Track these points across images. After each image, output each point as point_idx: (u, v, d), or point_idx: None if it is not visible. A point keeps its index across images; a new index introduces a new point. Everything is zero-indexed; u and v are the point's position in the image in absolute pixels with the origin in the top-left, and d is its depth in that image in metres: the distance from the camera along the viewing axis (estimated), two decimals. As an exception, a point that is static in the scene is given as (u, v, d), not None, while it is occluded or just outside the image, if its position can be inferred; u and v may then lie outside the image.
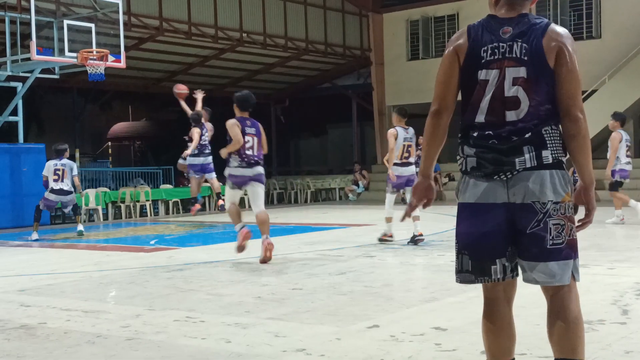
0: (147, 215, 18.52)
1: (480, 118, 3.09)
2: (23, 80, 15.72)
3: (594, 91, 20.36)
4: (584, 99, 20.40)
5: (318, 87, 27.68)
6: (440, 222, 13.86)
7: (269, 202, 22.94)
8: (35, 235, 12.51)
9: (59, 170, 12.57)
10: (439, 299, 6.10)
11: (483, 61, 3.09)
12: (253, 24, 21.50)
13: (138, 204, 18.41)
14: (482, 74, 3.10)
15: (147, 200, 18.51)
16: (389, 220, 10.34)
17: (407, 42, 24.80)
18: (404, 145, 10.23)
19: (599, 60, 20.84)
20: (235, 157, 8.76)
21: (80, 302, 6.46)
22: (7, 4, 15.36)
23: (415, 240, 10.02)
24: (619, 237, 10.47)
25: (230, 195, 9.11)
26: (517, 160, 3.02)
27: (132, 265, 9.02)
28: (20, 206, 15.81)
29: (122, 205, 18.13)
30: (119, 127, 34.51)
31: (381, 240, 10.46)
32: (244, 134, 8.74)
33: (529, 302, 5.88)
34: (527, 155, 3.02)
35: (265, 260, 8.58)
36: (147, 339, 5.00)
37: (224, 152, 8.89)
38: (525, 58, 3.05)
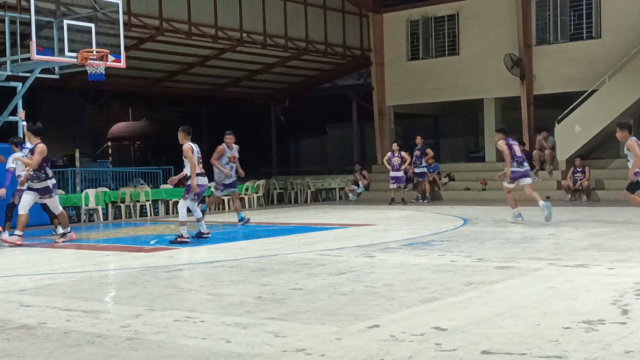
0: (147, 215, 18.51)
1: None
2: (23, 80, 15.69)
3: (594, 91, 20.35)
4: (584, 99, 20.44)
5: (318, 87, 27.67)
6: (440, 222, 13.86)
7: (269, 201, 22.94)
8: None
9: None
10: (439, 299, 6.09)
11: None
12: (253, 24, 21.49)
13: (138, 204, 18.41)
14: None
15: (147, 200, 18.51)
16: (183, 224, 11.30)
17: (407, 42, 24.81)
18: (198, 158, 11.45)
19: (599, 60, 20.84)
20: (38, 173, 11.99)
21: (80, 302, 6.46)
22: (7, 4, 15.35)
23: (200, 236, 11.47)
24: (620, 237, 10.46)
25: (29, 201, 12.14)
26: None
27: (132, 265, 9.01)
28: (20, 206, 15.74)
29: (122, 205, 18.12)
30: (119, 127, 34.48)
31: (175, 242, 11.14)
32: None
33: (529, 302, 5.90)
34: None
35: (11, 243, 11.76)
36: (147, 339, 5.00)
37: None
38: None
